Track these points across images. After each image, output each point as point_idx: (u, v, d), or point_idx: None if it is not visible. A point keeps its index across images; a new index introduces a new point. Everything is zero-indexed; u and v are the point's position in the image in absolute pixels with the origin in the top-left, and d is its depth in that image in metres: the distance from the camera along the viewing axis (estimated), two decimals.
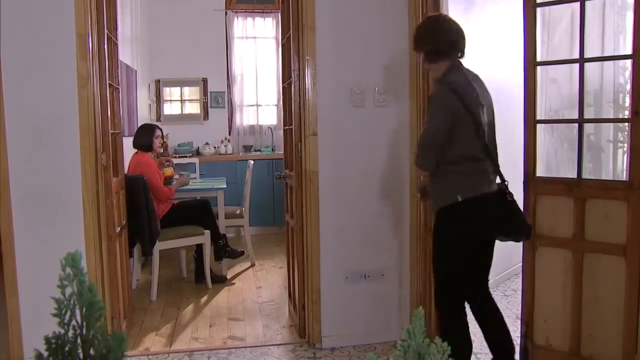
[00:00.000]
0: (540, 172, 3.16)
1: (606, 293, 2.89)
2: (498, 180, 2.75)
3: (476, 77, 2.75)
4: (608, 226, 2.87)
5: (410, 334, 0.89)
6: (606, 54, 3.42)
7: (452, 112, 2.58)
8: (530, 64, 3.05)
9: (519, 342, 3.20)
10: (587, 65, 2.99)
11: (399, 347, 0.90)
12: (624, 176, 3.37)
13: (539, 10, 3.04)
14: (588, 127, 3.34)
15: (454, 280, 2.77)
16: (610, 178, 3.56)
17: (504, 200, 2.71)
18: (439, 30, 2.72)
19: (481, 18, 4.42)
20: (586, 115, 3.06)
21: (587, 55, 2.95)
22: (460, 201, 2.65)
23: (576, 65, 3.00)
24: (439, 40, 2.69)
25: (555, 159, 3.68)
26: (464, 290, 2.79)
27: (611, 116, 3.69)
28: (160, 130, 5.20)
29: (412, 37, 2.87)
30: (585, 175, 3.05)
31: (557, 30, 3.61)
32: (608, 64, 3.41)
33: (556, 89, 3.75)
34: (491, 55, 4.23)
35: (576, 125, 3.05)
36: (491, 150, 2.68)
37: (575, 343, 3.00)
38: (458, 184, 2.66)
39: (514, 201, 2.72)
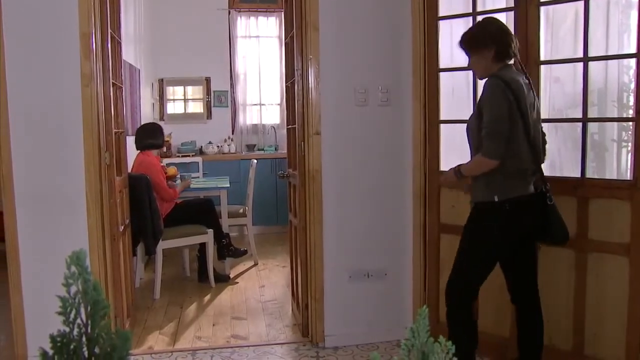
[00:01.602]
0: (544, 171, 3.15)
1: (610, 292, 2.89)
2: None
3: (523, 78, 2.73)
4: (612, 225, 2.86)
5: (414, 332, 0.89)
6: (610, 53, 3.41)
7: (509, 103, 2.56)
8: (534, 62, 3.05)
9: None
10: (591, 64, 2.98)
11: (403, 345, 0.90)
12: (627, 175, 3.36)
13: (542, 9, 3.04)
14: (592, 126, 3.33)
15: (473, 274, 2.79)
16: (614, 177, 3.55)
17: (544, 204, 2.71)
18: (502, 32, 2.72)
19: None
20: (590, 115, 3.05)
21: (591, 54, 2.94)
22: (496, 201, 2.65)
23: (580, 64, 3.00)
24: (503, 41, 2.70)
25: (559, 158, 3.67)
26: (478, 286, 2.80)
27: (615, 115, 3.68)
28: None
29: (470, 36, 2.79)
30: (589, 174, 3.04)
31: (560, 29, 3.60)
32: (612, 62, 3.40)
33: (559, 88, 3.74)
34: None
35: (579, 124, 3.04)
36: (537, 152, 2.70)
37: (579, 343, 2.99)
38: (497, 183, 2.65)
39: (554, 206, 2.71)
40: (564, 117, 3.74)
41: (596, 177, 3.27)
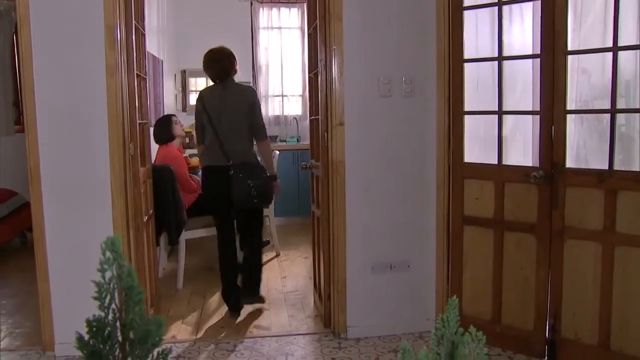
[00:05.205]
0: (569, 163, 3.11)
1: (637, 287, 2.84)
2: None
3: (231, 90, 4.21)
4: None
5: (444, 322, 0.88)
6: None
7: (198, 110, 4.16)
8: (561, 53, 3.00)
9: (547, 335, 3.18)
10: (620, 53, 2.92)
11: (432, 335, 0.90)
12: None
13: None
14: (619, 118, 3.27)
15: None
16: None
17: (228, 173, 3.89)
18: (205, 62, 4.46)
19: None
20: (617, 106, 2.99)
21: (621, 43, 2.88)
22: (203, 167, 4.13)
23: (609, 54, 2.94)
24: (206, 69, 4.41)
25: (584, 150, 3.62)
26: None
27: None
28: (174, 115, 5.25)
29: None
30: (616, 166, 2.99)
31: (588, 18, 3.54)
32: None
33: (586, 79, 3.69)
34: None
35: (606, 116, 2.99)
36: (222, 138, 3.96)
37: (605, 337, 2.96)
38: (203, 157, 4.14)
39: (236, 176, 3.87)
40: (590, 108, 3.69)
41: (623, 169, 3.21)
